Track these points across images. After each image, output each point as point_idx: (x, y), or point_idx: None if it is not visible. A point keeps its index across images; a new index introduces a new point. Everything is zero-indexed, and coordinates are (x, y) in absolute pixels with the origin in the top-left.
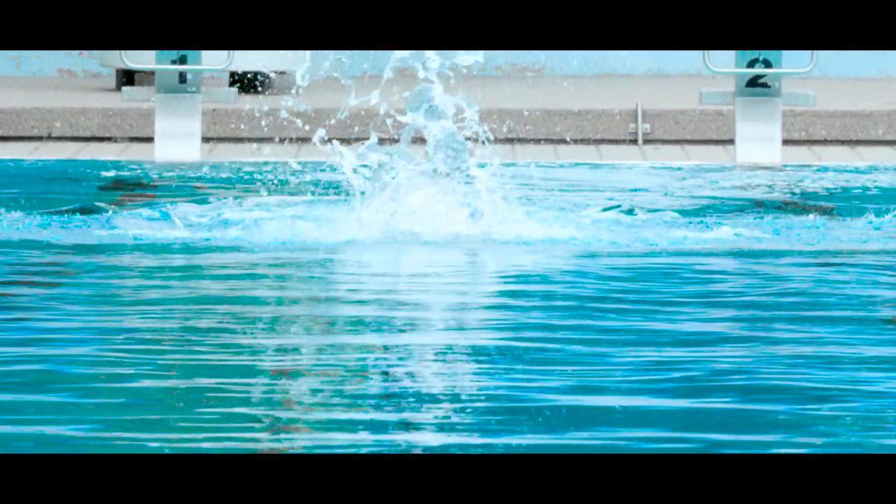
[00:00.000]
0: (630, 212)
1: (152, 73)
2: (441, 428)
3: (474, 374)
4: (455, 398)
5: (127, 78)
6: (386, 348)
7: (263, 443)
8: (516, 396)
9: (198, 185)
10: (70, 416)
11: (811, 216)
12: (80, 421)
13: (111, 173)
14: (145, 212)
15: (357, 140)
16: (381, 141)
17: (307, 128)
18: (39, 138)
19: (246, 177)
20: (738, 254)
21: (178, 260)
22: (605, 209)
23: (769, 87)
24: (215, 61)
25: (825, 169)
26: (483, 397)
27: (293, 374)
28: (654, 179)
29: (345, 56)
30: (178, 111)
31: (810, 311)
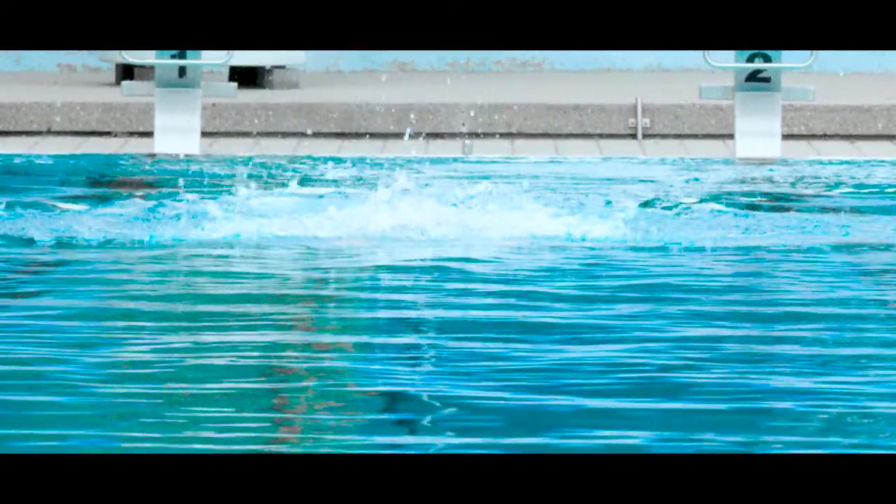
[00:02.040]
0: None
1: (152, 67)
2: (444, 430)
3: (476, 376)
4: (458, 400)
5: (126, 72)
6: (385, 348)
7: (261, 443)
8: (514, 397)
9: (196, 179)
10: (67, 417)
11: (812, 211)
12: (77, 421)
13: (111, 168)
14: (142, 207)
15: (358, 135)
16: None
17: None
18: (39, 133)
19: (244, 172)
20: (736, 249)
21: (171, 257)
22: (643, 204)
23: (768, 81)
24: (215, 56)
25: (825, 163)
26: (484, 399)
27: (289, 374)
28: (654, 173)
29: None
30: (178, 106)
31: (808, 308)
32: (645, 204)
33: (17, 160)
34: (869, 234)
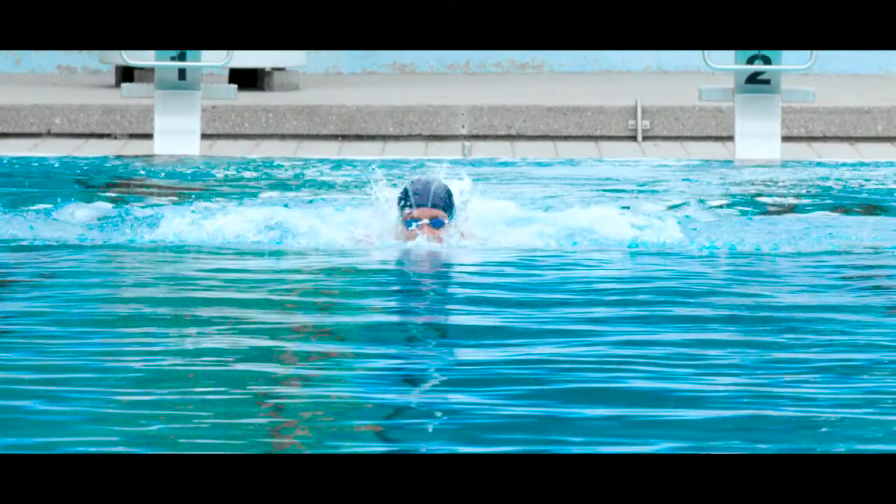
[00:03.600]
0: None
1: (152, 69)
2: (444, 431)
3: (483, 379)
4: (459, 403)
5: (126, 74)
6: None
7: (259, 443)
8: (513, 401)
9: (196, 181)
10: (68, 418)
11: (811, 213)
12: (78, 422)
13: (110, 170)
14: (141, 209)
15: (362, 137)
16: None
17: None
18: (39, 135)
19: (243, 174)
20: (733, 252)
21: (171, 258)
22: (674, 206)
23: (768, 83)
24: (215, 58)
25: (824, 165)
26: (486, 402)
27: (286, 377)
28: (653, 176)
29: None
30: (178, 107)
31: (806, 313)
32: (670, 207)
33: (16, 162)
34: (868, 236)
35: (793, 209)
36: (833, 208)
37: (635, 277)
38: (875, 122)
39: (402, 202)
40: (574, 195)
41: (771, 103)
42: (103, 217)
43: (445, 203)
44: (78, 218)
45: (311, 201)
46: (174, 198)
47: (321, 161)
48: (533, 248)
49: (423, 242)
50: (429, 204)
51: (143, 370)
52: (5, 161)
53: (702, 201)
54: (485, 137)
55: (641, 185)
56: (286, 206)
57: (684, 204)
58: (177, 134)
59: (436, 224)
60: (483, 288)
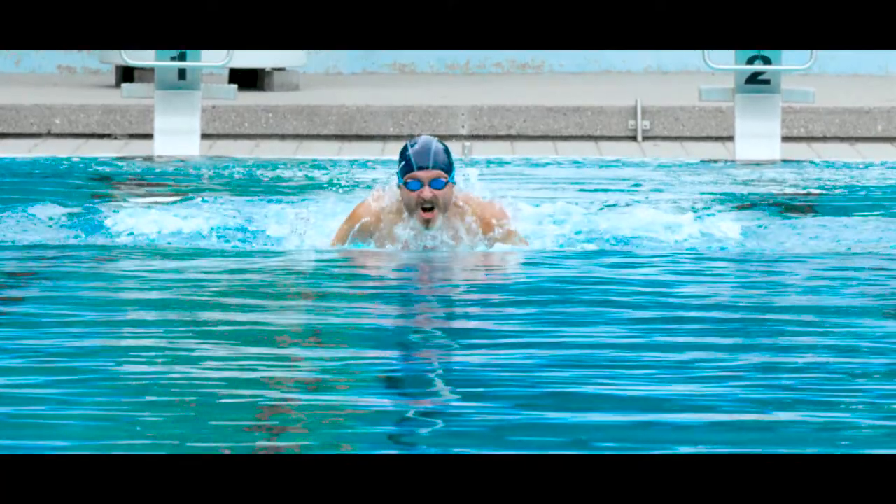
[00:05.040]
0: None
1: (152, 69)
2: (444, 432)
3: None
4: (468, 406)
5: (126, 75)
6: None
7: (258, 444)
8: (508, 404)
9: (196, 181)
10: (68, 420)
11: (811, 214)
12: (78, 423)
13: (110, 170)
14: (139, 209)
15: (363, 137)
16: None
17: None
18: (39, 135)
19: (243, 174)
20: (732, 253)
21: (171, 259)
22: (676, 205)
23: (768, 83)
24: (215, 58)
25: (824, 165)
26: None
27: (285, 379)
28: (653, 176)
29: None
30: (178, 108)
31: (804, 315)
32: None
33: (16, 162)
34: (869, 236)
35: (793, 209)
36: (833, 208)
37: (635, 278)
38: (875, 123)
39: (403, 164)
40: (575, 195)
41: (771, 103)
42: (102, 217)
43: (445, 163)
44: (76, 218)
45: (306, 200)
46: (174, 198)
47: (320, 162)
48: (536, 249)
49: (414, 247)
50: (430, 165)
51: (140, 371)
52: (5, 161)
53: (703, 202)
54: (485, 137)
55: (641, 186)
56: (279, 202)
57: (689, 205)
58: (177, 134)
59: (437, 185)
60: (484, 289)
